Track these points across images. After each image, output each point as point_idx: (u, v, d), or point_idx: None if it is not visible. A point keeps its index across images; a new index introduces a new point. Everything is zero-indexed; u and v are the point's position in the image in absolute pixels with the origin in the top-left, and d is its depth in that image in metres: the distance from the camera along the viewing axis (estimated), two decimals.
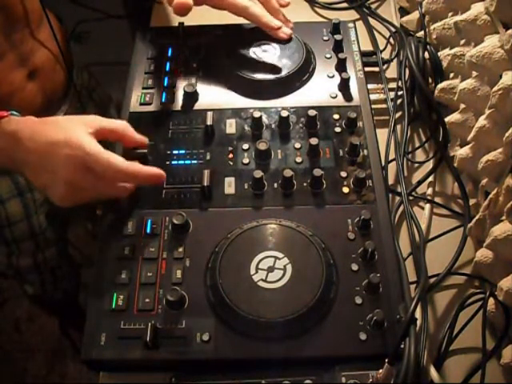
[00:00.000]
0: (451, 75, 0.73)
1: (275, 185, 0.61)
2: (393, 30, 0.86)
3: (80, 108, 0.91)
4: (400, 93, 0.76)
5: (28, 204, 0.88)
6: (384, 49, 0.83)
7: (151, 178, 0.58)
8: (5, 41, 0.71)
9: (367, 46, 0.83)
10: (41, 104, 0.79)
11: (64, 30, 0.87)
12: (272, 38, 0.72)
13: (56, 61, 0.82)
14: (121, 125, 0.60)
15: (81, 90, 0.92)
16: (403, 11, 0.90)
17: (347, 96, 0.69)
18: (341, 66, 0.71)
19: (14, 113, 0.58)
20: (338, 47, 0.74)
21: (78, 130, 0.55)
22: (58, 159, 0.54)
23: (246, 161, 0.63)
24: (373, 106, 0.68)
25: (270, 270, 0.53)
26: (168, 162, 0.63)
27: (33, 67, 0.77)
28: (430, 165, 0.72)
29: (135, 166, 0.57)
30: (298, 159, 0.63)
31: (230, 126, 0.66)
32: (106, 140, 0.58)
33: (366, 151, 0.63)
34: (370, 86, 0.72)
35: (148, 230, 0.58)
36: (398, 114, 0.75)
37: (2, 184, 0.84)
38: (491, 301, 0.56)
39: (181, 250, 0.56)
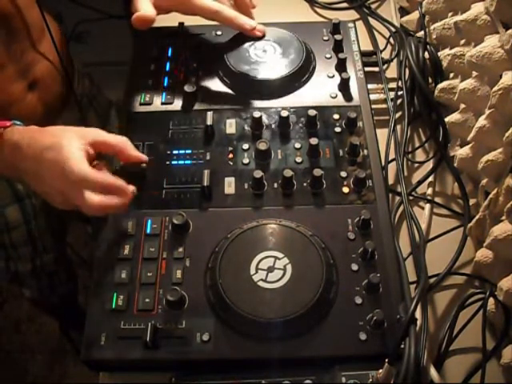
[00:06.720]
0: (451, 75, 0.73)
1: (275, 185, 0.61)
2: (393, 30, 0.86)
3: (80, 117, 0.90)
4: (400, 93, 0.75)
5: (26, 210, 0.88)
6: (384, 49, 0.83)
7: (117, 189, 0.55)
8: (5, 52, 0.70)
9: (367, 46, 0.83)
10: (40, 114, 0.79)
11: (65, 38, 0.86)
12: (250, 37, 0.72)
13: (57, 71, 0.81)
14: (119, 140, 0.58)
15: (81, 99, 0.91)
16: (403, 11, 0.90)
17: (347, 96, 0.69)
18: (341, 66, 0.71)
19: (17, 122, 0.58)
20: (338, 47, 0.74)
21: (67, 138, 0.55)
22: (45, 164, 0.54)
23: (246, 161, 0.63)
24: (373, 106, 0.68)
25: (270, 270, 0.53)
26: (168, 162, 0.63)
27: (33, 79, 0.76)
28: (430, 165, 0.72)
29: (104, 176, 0.54)
30: (298, 159, 0.63)
31: (230, 126, 0.66)
32: (102, 153, 0.57)
33: (366, 151, 0.63)
34: (370, 86, 0.72)
35: (148, 230, 0.58)
36: (398, 114, 0.75)
37: (0, 190, 0.84)
38: (491, 301, 0.56)
39: (181, 249, 0.56)
